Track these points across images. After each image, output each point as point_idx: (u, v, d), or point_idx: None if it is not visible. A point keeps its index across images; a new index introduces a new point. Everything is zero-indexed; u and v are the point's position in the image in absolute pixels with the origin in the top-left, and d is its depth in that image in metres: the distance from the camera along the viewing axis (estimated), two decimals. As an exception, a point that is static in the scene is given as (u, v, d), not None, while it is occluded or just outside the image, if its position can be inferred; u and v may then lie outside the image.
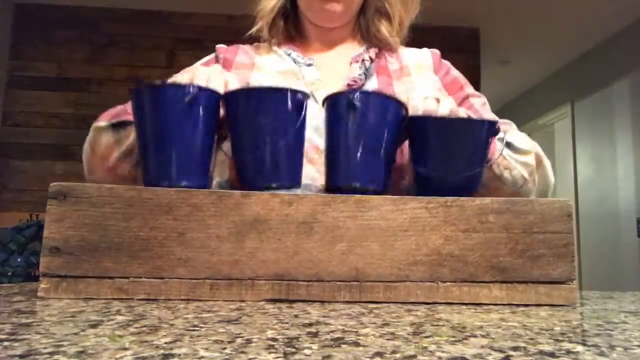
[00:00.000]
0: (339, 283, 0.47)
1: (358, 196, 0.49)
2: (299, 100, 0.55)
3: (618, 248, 3.48)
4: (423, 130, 0.57)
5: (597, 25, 3.44)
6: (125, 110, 0.69)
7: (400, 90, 0.81)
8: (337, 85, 0.81)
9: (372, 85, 0.81)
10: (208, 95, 0.55)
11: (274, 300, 0.47)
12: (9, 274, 2.36)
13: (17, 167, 3.07)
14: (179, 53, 3.26)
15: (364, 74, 0.82)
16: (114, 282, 0.46)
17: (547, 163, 0.74)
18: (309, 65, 0.83)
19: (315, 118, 0.76)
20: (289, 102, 0.54)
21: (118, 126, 0.67)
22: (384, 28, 0.85)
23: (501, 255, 0.49)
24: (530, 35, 3.66)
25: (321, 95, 0.79)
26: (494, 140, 0.61)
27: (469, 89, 0.86)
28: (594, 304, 0.50)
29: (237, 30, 0.94)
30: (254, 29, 0.86)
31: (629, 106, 3.39)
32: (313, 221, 0.48)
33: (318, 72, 0.82)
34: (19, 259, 2.40)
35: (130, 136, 0.65)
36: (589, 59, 3.88)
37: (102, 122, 0.69)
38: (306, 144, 0.75)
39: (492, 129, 0.56)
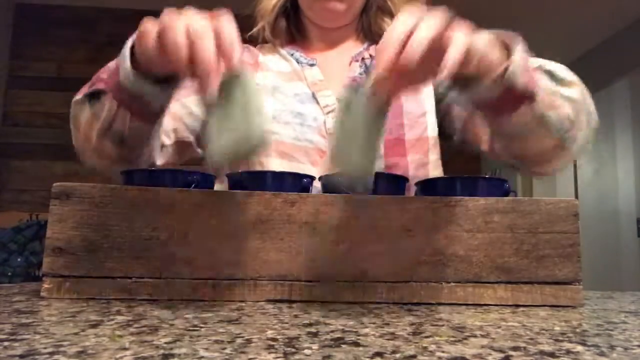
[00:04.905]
0: (342, 283, 0.47)
1: (361, 196, 0.49)
2: (305, 185, 0.54)
3: (618, 248, 3.48)
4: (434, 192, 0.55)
5: (597, 25, 3.44)
6: (98, 77, 0.61)
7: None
8: (339, 85, 0.81)
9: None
10: (202, 178, 0.54)
11: (274, 300, 0.47)
12: (9, 274, 2.36)
13: (17, 167, 3.07)
14: (179, 53, 3.25)
15: (364, 72, 0.81)
16: (116, 282, 0.46)
17: (590, 100, 0.62)
18: (312, 65, 0.82)
19: (317, 120, 0.76)
20: (294, 186, 0.53)
21: (93, 97, 0.60)
22: (386, 26, 0.84)
23: (506, 256, 0.48)
24: (530, 36, 3.64)
25: (324, 96, 0.79)
26: (533, 70, 0.50)
27: None
28: (594, 304, 0.50)
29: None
30: (255, 30, 0.86)
31: (629, 106, 3.38)
32: (316, 221, 0.48)
33: (321, 73, 0.82)
34: (19, 259, 2.40)
35: (105, 107, 0.57)
36: (589, 59, 3.87)
37: (79, 95, 0.63)
38: (309, 145, 0.75)
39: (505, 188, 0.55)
